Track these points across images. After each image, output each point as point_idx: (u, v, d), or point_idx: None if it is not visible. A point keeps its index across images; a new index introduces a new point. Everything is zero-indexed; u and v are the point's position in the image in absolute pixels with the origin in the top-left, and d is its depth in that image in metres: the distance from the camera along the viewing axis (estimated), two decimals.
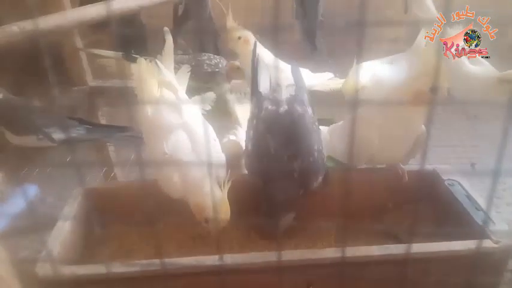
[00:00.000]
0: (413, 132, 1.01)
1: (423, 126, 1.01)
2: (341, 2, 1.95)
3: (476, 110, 1.90)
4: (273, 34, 0.51)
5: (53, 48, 1.59)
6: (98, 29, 1.74)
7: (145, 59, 1.03)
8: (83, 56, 1.70)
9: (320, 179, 0.99)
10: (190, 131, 1.00)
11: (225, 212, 0.93)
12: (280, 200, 0.94)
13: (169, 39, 1.13)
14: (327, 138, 1.17)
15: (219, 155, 1.03)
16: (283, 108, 1.01)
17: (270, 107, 1.02)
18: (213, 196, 0.93)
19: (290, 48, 1.72)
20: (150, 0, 1.38)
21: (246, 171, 1.07)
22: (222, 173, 0.98)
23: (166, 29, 1.15)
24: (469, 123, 1.85)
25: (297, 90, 1.08)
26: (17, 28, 1.03)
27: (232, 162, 1.07)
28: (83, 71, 1.71)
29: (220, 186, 0.96)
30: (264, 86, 1.10)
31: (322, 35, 1.93)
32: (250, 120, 1.06)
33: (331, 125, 1.23)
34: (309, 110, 1.04)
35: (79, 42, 1.66)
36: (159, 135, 0.99)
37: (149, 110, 1.01)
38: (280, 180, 0.94)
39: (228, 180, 0.95)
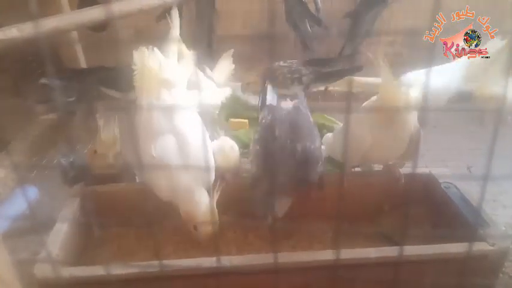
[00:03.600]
0: (405, 133, 1.02)
1: (419, 127, 1.02)
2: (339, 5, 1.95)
3: (474, 113, 1.91)
4: (269, 38, 0.51)
5: (52, 50, 1.60)
6: (96, 31, 1.74)
7: (147, 48, 1.01)
8: (81, 57, 1.71)
9: (319, 169, 1.01)
10: (179, 135, 1.00)
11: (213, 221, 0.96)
12: (281, 182, 0.96)
13: (176, 21, 1.12)
14: (331, 141, 1.20)
15: (208, 160, 1.03)
16: (290, 108, 1.07)
17: (278, 111, 1.07)
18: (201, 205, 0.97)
19: (288, 49, 1.73)
20: (148, 3, 1.38)
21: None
22: (211, 178, 1.00)
23: (174, 10, 1.13)
24: (467, 126, 1.85)
25: (299, 102, 1.13)
26: (16, 30, 1.04)
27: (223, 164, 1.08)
28: None
29: (209, 192, 0.99)
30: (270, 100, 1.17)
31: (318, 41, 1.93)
32: (259, 124, 1.10)
33: (335, 129, 1.25)
34: (310, 117, 1.09)
35: (78, 44, 1.66)
36: (148, 138, 1.00)
37: (143, 109, 1.02)
38: (283, 161, 0.96)
39: (217, 190, 1.00)
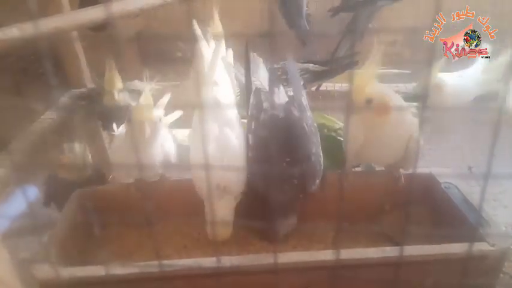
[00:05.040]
0: (398, 134, 1.00)
1: (415, 130, 1.01)
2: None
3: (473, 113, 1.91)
4: (269, 36, 0.51)
5: (52, 50, 1.60)
6: (97, 31, 1.74)
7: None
8: (81, 57, 1.71)
9: (318, 182, 1.00)
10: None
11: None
12: (280, 204, 0.96)
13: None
14: None
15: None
16: (281, 113, 1.03)
17: (268, 111, 1.03)
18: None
19: (286, 46, 1.74)
20: (149, 3, 1.38)
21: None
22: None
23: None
24: (467, 126, 1.85)
25: (294, 93, 1.09)
26: (17, 30, 1.03)
27: None
28: (81, 73, 1.72)
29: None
30: (262, 86, 1.12)
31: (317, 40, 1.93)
32: (248, 122, 1.07)
33: None
34: (308, 113, 1.05)
35: (78, 44, 1.66)
36: None
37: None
38: (280, 185, 0.96)
39: None
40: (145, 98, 0.98)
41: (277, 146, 0.98)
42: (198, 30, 1.10)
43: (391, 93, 1.00)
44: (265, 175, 0.98)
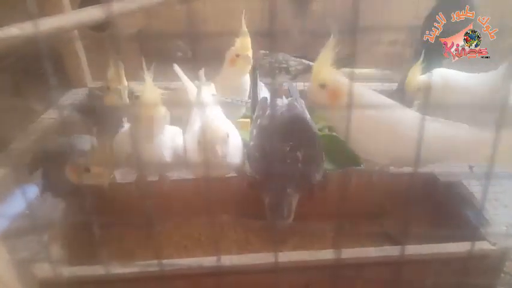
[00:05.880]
0: (385, 133, 1.00)
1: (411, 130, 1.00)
2: (341, 4, 1.95)
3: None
4: (269, 35, 0.52)
5: (53, 50, 1.60)
6: (97, 30, 1.75)
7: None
8: (82, 57, 1.71)
9: (321, 173, 1.01)
10: None
11: None
12: (283, 192, 0.96)
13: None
14: None
15: None
16: (285, 107, 1.09)
17: (273, 108, 1.08)
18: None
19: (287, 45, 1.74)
20: (148, 2, 1.38)
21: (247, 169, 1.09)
22: None
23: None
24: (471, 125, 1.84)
25: (293, 100, 1.15)
26: (17, 30, 1.03)
27: None
28: (82, 73, 1.72)
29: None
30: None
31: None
32: (254, 121, 1.11)
33: None
34: (307, 115, 1.08)
35: (79, 44, 1.66)
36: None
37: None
38: (283, 169, 0.97)
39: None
40: (150, 91, 0.96)
41: (280, 131, 1.00)
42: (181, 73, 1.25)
43: (345, 80, 0.99)
44: (266, 159, 0.99)
